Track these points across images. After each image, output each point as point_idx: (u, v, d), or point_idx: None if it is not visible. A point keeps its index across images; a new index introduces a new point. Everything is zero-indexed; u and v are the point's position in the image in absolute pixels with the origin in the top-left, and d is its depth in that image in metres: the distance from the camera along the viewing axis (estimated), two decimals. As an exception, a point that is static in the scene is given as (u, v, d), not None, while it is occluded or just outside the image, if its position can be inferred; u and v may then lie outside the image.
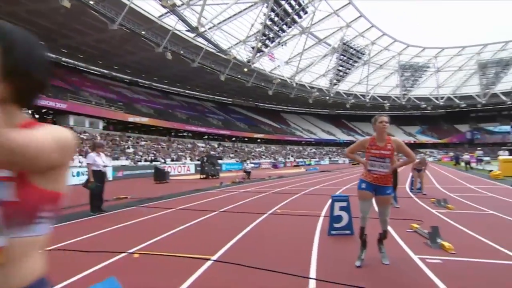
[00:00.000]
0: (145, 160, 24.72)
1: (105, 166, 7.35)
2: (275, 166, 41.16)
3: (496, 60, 56.78)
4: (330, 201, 5.30)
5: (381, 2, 71.23)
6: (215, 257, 3.88)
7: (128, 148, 27.13)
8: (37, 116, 28.19)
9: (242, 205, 8.23)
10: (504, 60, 55.89)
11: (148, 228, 5.74)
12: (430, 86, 63.61)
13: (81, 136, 25.26)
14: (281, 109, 69.79)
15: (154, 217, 6.73)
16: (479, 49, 57.13)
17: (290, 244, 4.62)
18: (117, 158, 22.89)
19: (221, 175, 21.88)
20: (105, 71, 40.62)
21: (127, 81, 43.29)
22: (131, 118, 31.88)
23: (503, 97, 60.47)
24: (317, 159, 52.76)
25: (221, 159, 22.34)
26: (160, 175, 16.12)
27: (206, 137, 44.79)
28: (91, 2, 25.61)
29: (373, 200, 3.81)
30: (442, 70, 61.77)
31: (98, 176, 7.08)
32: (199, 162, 21.55)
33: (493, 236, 4.69)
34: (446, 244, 4.23)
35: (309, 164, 44.93)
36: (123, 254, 4.03)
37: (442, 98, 64.27)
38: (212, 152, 36.15)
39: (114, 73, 41.59)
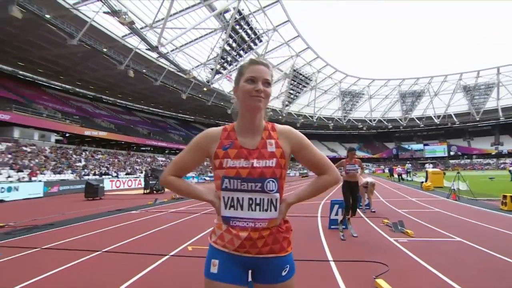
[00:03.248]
0: (94, 174, 20.51)
1: None
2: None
3: (411, 92, 61.72)
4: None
5: (326, 37, 73.19)
6: None
7: (80, 161, 22.73)
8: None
9: (147, 237, 5.25)
10: (417, 92, 61.35)
11: None
12: (365, 110, 65.32)
13: (26, 148, 20.61)
14: (239, 126, 67.44)
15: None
16: (400, 82, 61.05)
17: None
18: (60, 172, 18.61)
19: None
20: (68, 86, 35.53)
21: (91, 96, 38.31)
22: (88, 132, 27.36)
23: (417, 121, 65.28)
24: (271, 172, 50.65)
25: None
26: (91, 191, 12.35)
27: (167, 151, 40.84)
28: (47, 16, 21.58)
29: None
30: (373, 97, 63.92)
31: None
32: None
33: None
34: None
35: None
36: None
37: (374, 120, 66.40)
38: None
39: (77, 89, 36.56)
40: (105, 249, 4.35)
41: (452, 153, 65.25)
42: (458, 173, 11.10)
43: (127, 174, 24.15)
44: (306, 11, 63.36)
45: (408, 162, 31.93)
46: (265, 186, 1.07)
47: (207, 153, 1.15)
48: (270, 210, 1.09)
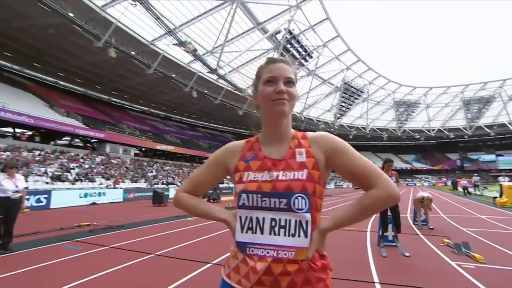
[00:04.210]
0: (162, 183, 22.29)
1: (16, 192, 4.54)
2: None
3: (478, 98, 53.58)
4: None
5: (378, 49, 69.04)
6: None
7: (151, 172, 24.97)
8: (82, 144, 27.08)
9: (196, 244, 5.33)
10: (485, 97, 53.09)
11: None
12: (422, 120, 58.99)
13: (113, 161, 23.48)
14: (292, 139, 67.03)
15: (57, 264, 3.98)
16: (462, 89, 53.60)
17: None
18: (136, 181, 20.71)
19: (228, 198, 18.97)
20: (145, 108, 39.94)
21: (162, 116, 42.30)
22: (159, 146, 30.16)
23: (487, 129, 55.87)
24: (324, 183, 48.63)
25: (222, 183, 19.56)
26: (158, 198, 13.35)
27: (225, 163, 42.78)
28: (133, 53, 24.84)
29: None
30: (431, 106, 57.45)
31: (2, 204, 4.36)
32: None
33: None
34: None
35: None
36: None
37: (433, 130, 59.38)
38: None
39: (152, 110, 40.81)
40: (157, 252, 4.51)
41: (535, 164, 54.28)
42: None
43: (190, 183, 25.70)
44: (355, 25, 60.91)
45: (475, 174, 27.09)
46: (292, 203, 0.80)
47: (226, 169, 0.96)
48: (299, 236, 0.80)
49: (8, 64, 26.30)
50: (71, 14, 18.72)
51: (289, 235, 0.80)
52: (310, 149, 0.88)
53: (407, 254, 4.29)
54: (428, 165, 64.44)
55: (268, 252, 0.79)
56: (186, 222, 8.06)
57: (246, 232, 0.84)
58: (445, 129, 59.36)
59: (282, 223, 0.81)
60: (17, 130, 22.70)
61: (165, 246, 4.90)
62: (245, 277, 0.80)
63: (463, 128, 57.11)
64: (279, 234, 0.80)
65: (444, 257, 4.24)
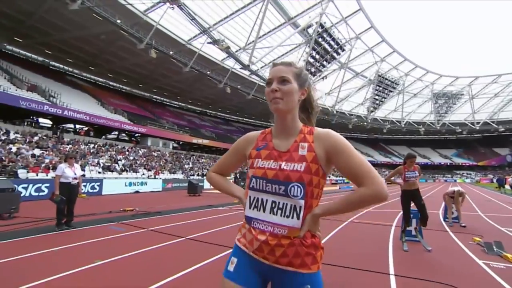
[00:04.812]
0: (198, 175, 23.34)
1: (75, 179, 5.25)
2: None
3: (537, 87, 46.04)
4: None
5: (414, 38, 63.81)
6: None
7: (188, 164, 26.22)
8: (127, 138, 29.27)
9: (224, 231, 5.63)
10: (546, 86, 45.44)
11: (67, 257, 3.52)
12: (465, 112, 53.45)
13: (154, 153, 25.09)
14: (324, 133, 65.29)
15: (105, 240, 4.52)
16: (517, 76, 46.89)
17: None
18: (173, 172, 21.95)
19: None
20: (183, 104, 41.71)
21: (198, 111, 43.82)
22: (195, 140, 31.45)
23: (547, 123, 48.56)
24: (355, 178, 46.76)
25: (249, 172, 20.09)
26: (193, 189, 14.04)
27: (258, 156, 43.20)
28: (171, 52, 26.07)
29: None
30: (476, 97, 51.67)
31: (65, 189, 5.09)
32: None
33: None
34: None
35: (347, 182, 39.62)
36: None
37: (478, 123, 53.45)
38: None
39: (189, 106, 42.49)
40: (189, 236, 4.88)
41: None
42: None
43: (223, 174, 26.53)
44: (390, 14, 56.78)
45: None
46: (289, 190, 0.94)
47: (244, 155, 1.12)
48: (292, 218, 0.94)
49: (70, 69, 29.43)
50: (119, 21, 20.21)
51: (284, 216, 0.95)
52: (313, 144, 0.98)
53: (429, 248, 4.13)
54: (471, 161, 58.64)
55: (266, 228, 0.96)
56: (217, 211, 8.48)
57: (253, 209, 1.01)
58: (493, 122, 53.19)
59: (280, 206, 0.95)
60: (77, 126, 25.33)
61: (196, 231, 5.28)
62: (250, 242, 1.00)
63: (516, 120, 50.70)
64: (276, 214, 0.96)
65: (471, 255, 4.00)
